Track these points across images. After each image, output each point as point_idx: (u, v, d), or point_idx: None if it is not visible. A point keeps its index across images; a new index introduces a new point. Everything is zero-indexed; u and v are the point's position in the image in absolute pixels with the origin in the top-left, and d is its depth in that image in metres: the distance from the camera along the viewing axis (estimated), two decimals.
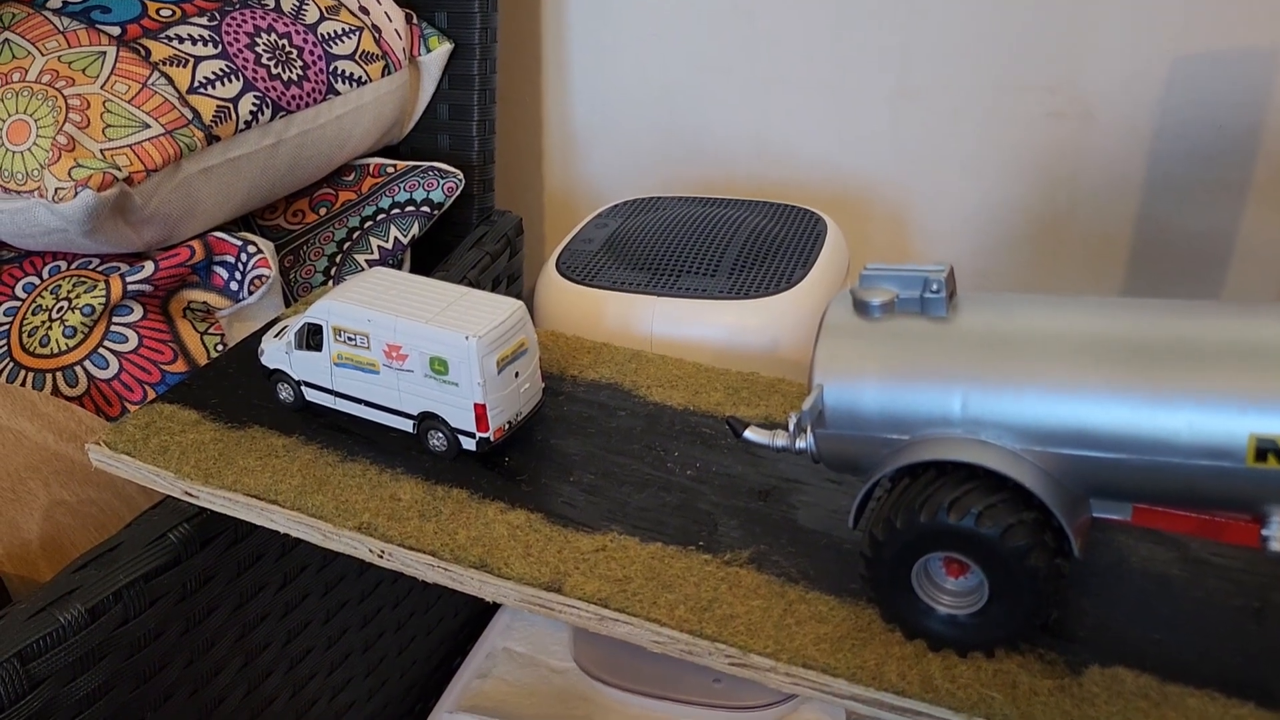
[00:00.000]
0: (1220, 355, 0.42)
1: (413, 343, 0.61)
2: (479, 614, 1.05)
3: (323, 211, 0.99)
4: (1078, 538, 0.44)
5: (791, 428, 0.52)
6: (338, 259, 0.95)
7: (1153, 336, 0.44)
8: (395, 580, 0.88)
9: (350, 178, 1.02)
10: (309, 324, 0.64)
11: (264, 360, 0.67)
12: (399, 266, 1.01)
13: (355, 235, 0.96)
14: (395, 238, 0.97)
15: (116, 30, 0.80)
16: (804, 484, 0.60)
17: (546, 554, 0.55)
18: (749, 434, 0.54)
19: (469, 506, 0.59)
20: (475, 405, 0.60)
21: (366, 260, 0.95)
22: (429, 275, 0.96)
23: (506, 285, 1.10)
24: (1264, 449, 0.41)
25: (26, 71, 0.76)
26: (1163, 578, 0.52)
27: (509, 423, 0.62)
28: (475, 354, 0.59)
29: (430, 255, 1.11)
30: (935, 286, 0.48)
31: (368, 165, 1.03)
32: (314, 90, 0.90)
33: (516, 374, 0.62)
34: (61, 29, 0.79)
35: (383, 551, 0.57)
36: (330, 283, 0.93)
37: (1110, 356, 0.44)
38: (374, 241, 0.96)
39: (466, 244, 1.04)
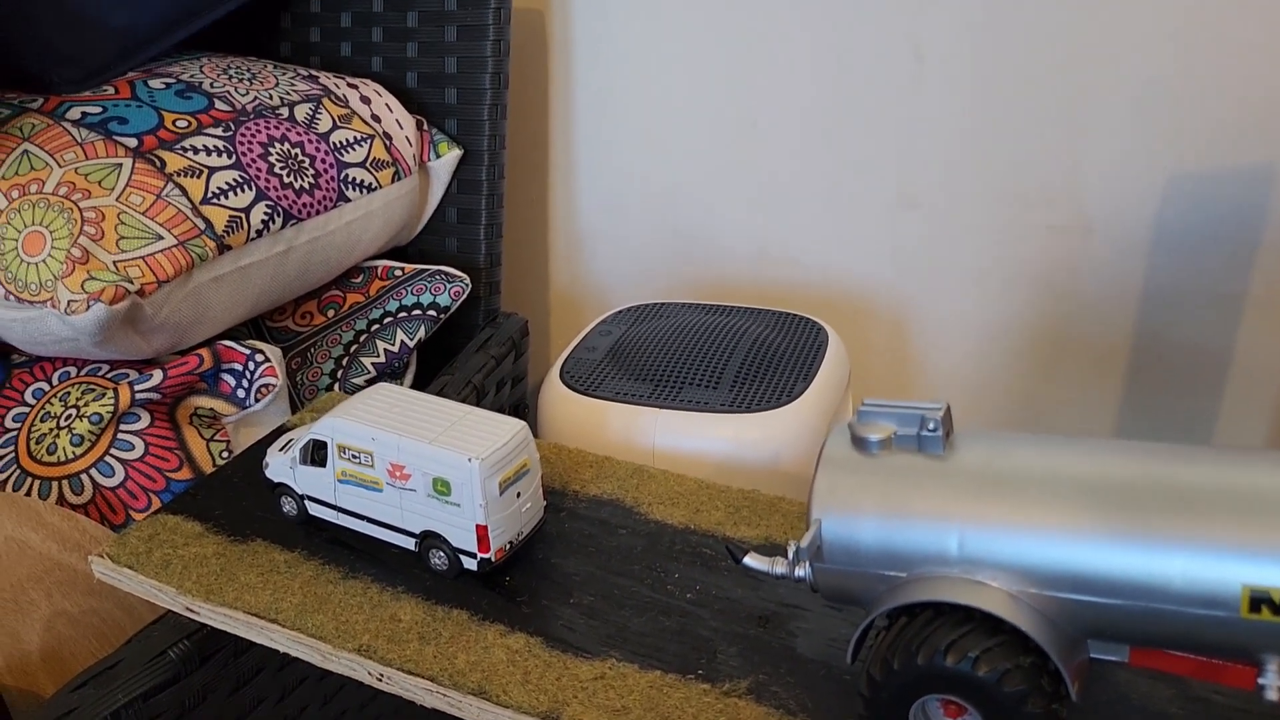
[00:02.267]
0: (1215, 504, 0.43)
1: (416, 463, 0.61)
2: None
3: (330, 313, 1.00)
4: (1075, 681, 0.44)
5: (790, 557, 0.52)
6: (344, 361, 0.96)
7: (1149, 482, 0.44)
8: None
9: (358, 280, 1.03)
10: (314, 440, 0.65)
11: (268, 474, 0.68)
12: (405, 370, 1.02)
13: (362, 338, 0.97)
14: (402, 341, 0.98)
15: (133, 142, 0.82)
16: (803, 610, 0.60)
17: (545, 681, 0.55)
18: (748, 561, 0.54)
19: (469, 629, 0.59)
20: (477, 526, 0.60)
21: (373, 363, 0.96)
22: (435, 379, 0.97)
23: (511, 387, 1.11)
24: (1258, 600, 0.41)
25: (44, 183, 0.78)
26: (1162, 716, 0.51)
27: (510, 543, 0.63)
28: (477, 476, 0.59)
29: (435, 356, 1.12)
30: (932, 425, 0.49)
31: (375, 268, 1.05)
32: (325, 198, 0.92)
33: (518, 494, 0.62)
34: (79, 140, 0.81)
35: (381, 675, 0.57)
36: (336, 385, 0.94)
37: (1106, 501, 0.44)
38: (380, 345, 0.97)
39: (472, 347, 1.05)
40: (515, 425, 0.63)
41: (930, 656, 0.44)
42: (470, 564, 0.62)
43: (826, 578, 0.50)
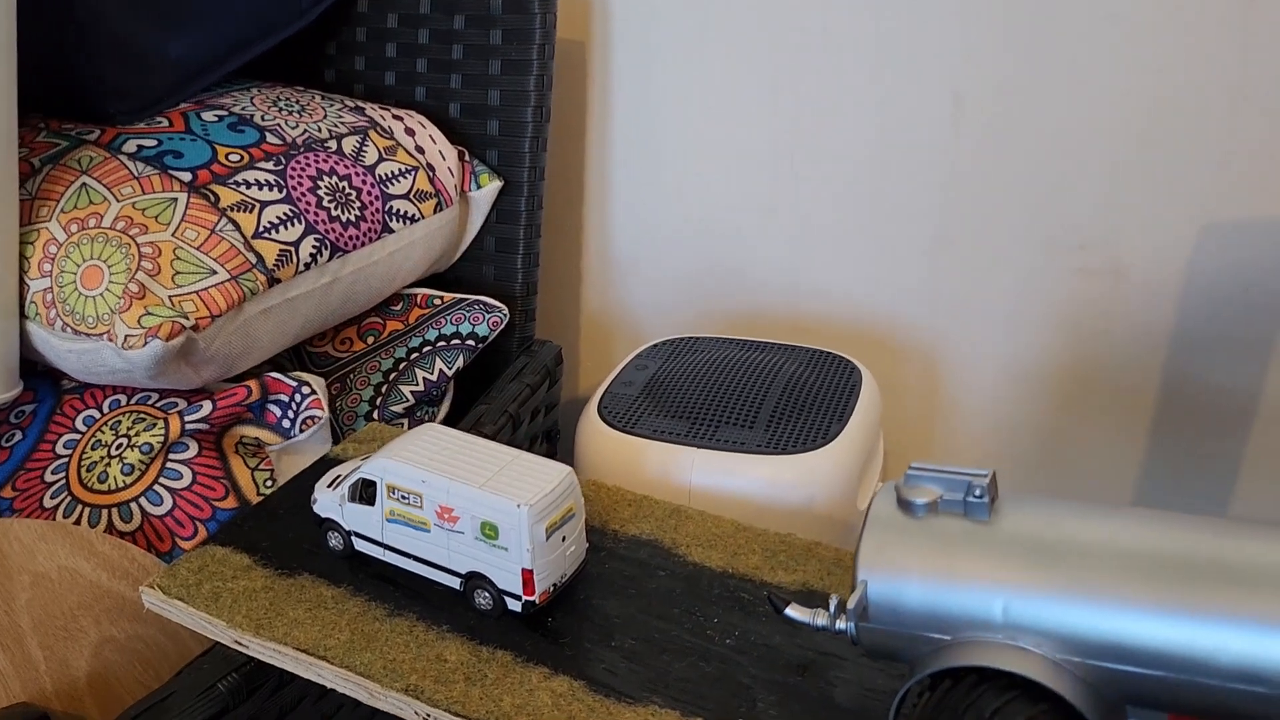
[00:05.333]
0: (1262, 581, 0.44)
1: (465, 506, 0.62)
2: None
3: (370, 340, 1.02)
4: None
5: (832, 609, 0.53)
6: (384, 389, 0.97)
7: (1196, 555, 0.45)
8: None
9: (398, 307, 1.05)
10: (363, 479, 0.66)
11: (316, 509, 0.69)
12: (442, 398, 1.03)
13: (401, 366, 0.99)
14: (440, 370, 0.99)
15: (188, 176, 0.84)
16: (841, 659, 0.61)
17: None
18: (790, 612, 0.56)
19: (513, 671, 0.60)
20: (523, 570, 0.62)
21: (412, 392, 0.98)
22: (472, 408, 0.98)
23: (544, 414, 1.13)
24: None
25: (102, 217, 0.79)
26: None
27: (554, 585, 0.64)
28: (525, 522, 0.61)
29: (470, 380, 1.14)
30: (978, 491, 0.50)
31: (415, 295, 1.06)
32: (370, 230, 0.94)
33: (563, 538, 0.64)
34: (136, 174, 0.83)
35: (428, 715, 0.58)
36: (375, 413, 0.96)
37: (1152, 573, 0.45)
38: (419, 374, 0.99)
39: (508, 375, 1.06)
40: (561, 471, 0.64)
41: None
42: (515, 605, 0.63)
43: (870, 637, 0.51)
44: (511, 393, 1.02)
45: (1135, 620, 0.45)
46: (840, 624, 0.53)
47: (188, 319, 0.76)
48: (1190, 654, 0.44)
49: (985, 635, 0.48)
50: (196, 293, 0.78)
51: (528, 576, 0.62)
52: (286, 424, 0.83)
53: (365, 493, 0.67)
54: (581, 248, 1.32)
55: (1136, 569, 0.46)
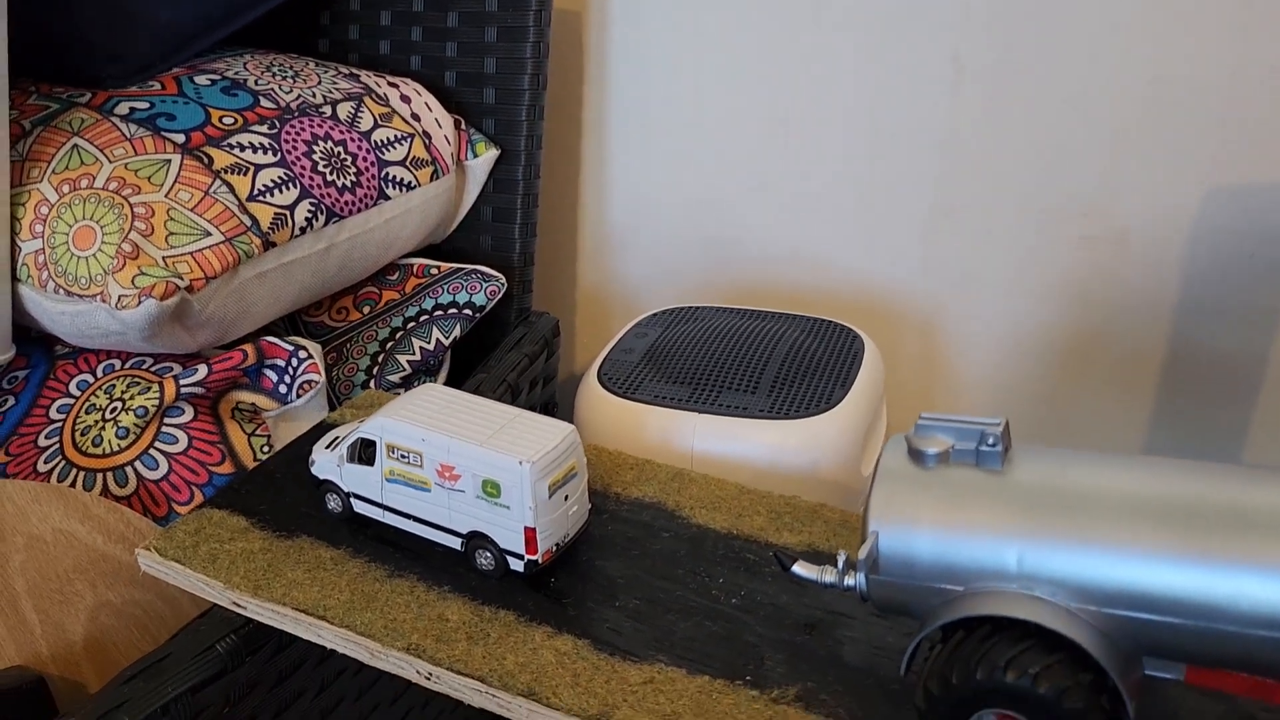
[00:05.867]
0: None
1: (466, 464, 0.62)
2: None
3: (366, 310, 1.01)
4: (1132, 699, 0.45)
5: (840, 565, 0.52)
6: (380, 358, 0.96)
7: (1212, 502, 0.45)
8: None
9: (394, 277, 1.04)
10: (362, 439, 0.65)
11: (314, 470, 0.68)
12: (439, 367, 1.02)
13: (398, 335, 0.98)
14: (437, 339, 0.98)
15: (181, 138, 0.83)
16: (849, 618, 0.60)
17: (594, 684, 0.55)
18: (797, 569, 0.55)
19: (516, 630, 0.59)
20: (525, 529, 0.61)
21: (408, 361, 0.97)
22: (471, 376, 0.97)
23: (542, 386, 1.12)
24: None
25: (94, 178, 0.78)
26: None
27: (557, 545, 0.63)
28: (528, 479, 0.60)
29: (468, 351, 1.13)
30: (991, 440, 0.49)
31: (411, 265, 1.05)
32: (366, 196, 0.92)
33: (566, 497, 0.63)
34: (128, 136, 0.82)
35: (430, 674, 0.57)
36: (372, 382, 0.95)
37: (1169, 520, 0.45)
38: (416, 343, 0.98)
39: (506, 346, 1.05)
40: (565, 429, 0.63)
41: (990, 672, 0.45)
42: (517, 565, 0.62)
43: (881, 589, 0.50)
44: (510, 362, 1.01)
45: (1152, 567, 0.44)
46: (849, 580, 0.52)
47: (182, 279, 0.74)
48: (1208, 600, 0.43)
49: (999, 585, 0.47)
50: (191, 254, 0.76)
51: (530, 535, 0.61)
52: (283, 389, 0.82)
53: (364, 453, 0.66)
54: (577, 221, 1.30)
55: (1153, 515, 0.45)
